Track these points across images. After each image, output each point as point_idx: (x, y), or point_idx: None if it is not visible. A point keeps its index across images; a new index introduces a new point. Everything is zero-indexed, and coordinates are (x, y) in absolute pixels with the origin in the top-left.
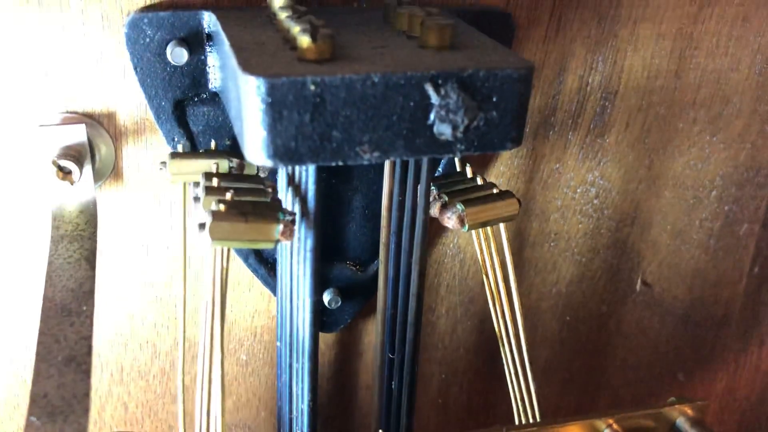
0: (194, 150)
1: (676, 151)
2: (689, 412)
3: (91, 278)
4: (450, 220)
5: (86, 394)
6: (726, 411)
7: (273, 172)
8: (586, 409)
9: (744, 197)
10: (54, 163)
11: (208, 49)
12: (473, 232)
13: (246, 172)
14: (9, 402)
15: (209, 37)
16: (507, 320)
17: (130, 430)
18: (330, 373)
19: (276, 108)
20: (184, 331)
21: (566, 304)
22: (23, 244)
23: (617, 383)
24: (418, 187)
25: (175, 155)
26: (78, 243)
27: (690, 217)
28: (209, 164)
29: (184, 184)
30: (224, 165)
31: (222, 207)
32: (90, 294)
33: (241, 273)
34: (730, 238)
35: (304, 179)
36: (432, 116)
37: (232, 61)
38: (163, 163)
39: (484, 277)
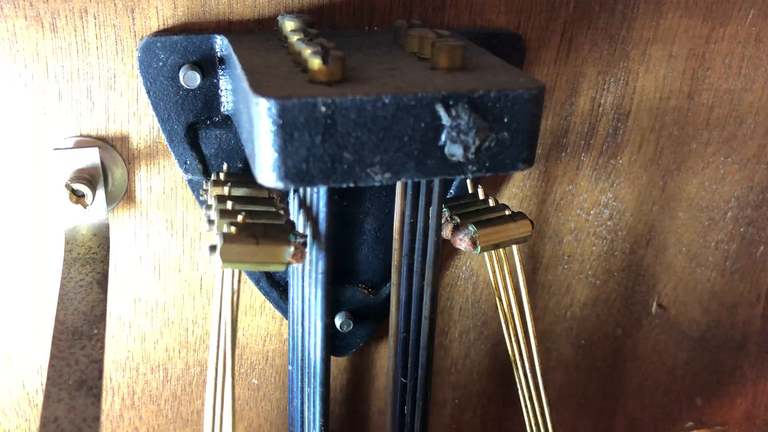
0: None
1: (690, 172)
2: None
3: (103, 301)
4: (462, 242)
5: (96, 418)
6: None
7: (285, 195)
8: None
9: (760, 218)
10: (67, 186)
11: (220, 72)
12: (486, 254)
13: (257, 194)
14: (21, 426)
15: (221, 60)
16: (521, 344)
17: None
18: (342, 398)
19: (287, 130)
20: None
21: (581, 327)
22: (36, 267)
23: (633, 408)
24: (430, 209)
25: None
26: (90, 266)
27: (705, 239)
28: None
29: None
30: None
31: (233, 229)
32: (101, 317)
33: (253, 296)
34: (747, 260)
35: (315, 201)
36: (443, 137)
37: (244, 83)
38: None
39: (498, 300)
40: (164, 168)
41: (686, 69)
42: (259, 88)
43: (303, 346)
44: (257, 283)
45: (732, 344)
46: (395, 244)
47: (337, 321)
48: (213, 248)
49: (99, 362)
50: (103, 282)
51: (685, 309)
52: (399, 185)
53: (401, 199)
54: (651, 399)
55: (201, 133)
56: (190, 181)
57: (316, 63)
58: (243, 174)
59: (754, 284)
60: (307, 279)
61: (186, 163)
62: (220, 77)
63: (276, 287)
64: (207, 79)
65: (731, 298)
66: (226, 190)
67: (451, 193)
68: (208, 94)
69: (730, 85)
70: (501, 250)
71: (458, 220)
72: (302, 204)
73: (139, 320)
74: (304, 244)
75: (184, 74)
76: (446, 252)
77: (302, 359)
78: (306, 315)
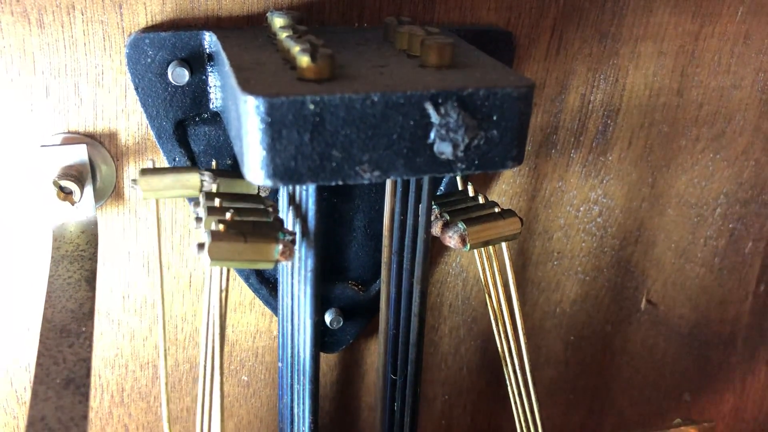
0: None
1: (679, 169)
2: None
3: (91, 299)
4: (452, 239)
5: (84, 417)
6: None
7: (274, 192)
8: (591, 430)
9: (749, 215)
10: (55, 183)
11: (209, 69)
12: (475, 251)
13: (244, 191)
14: (9, 424)
15: (210, 57)
16: (510, 340)
17: None
18: (332, 394)
19: (275, 127)
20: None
21: (570, 323)
22: (23, 264)
23: (623, 403)
24: (420, 206)
25: (145, 171)
26: (78, 263)
27: (694, 235)
28: (180, 179)
29: (157, 202)
30: (195, 180)
31: (221, 227)
32: (90, 315)
33: (243, 293)
34: (735, 256)
35: (304, 199)
36: (432, 135)
37: (232, 80)
38: (134, 180)
39: (487, 296)
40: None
41: (676, 66)
42: (247, 86)
43: (292, 343)
44: (247, 280)
45: (720, 340)
46: (385, 241)
47: (327, 318)
48: (201, 246)
49: (87, 360)
50: (91, 279)
51: (674, 305)
52: (389, 183)
53: (391, 197)
54: (640, 394)
55: (190, 130)
56: None
57: (304, 60)
58: (232, 171)
59: (742, 280)
60: (296, 276)
61: (175, 160)
62: (209, 74)
63: (265, 284)
64: (195, 76)
65: (720, 294)
66: (214, 188)
67: (440, 189)
68: (197, 91)
69: (720, 82)
70: (491, 247)
71: (448, 218)
72: (291, 201)
73: (128, 317)
74: (293, 242)
75: (172, 71)
76: (436, 249)
77: (292, 356)
78: (295, 312)
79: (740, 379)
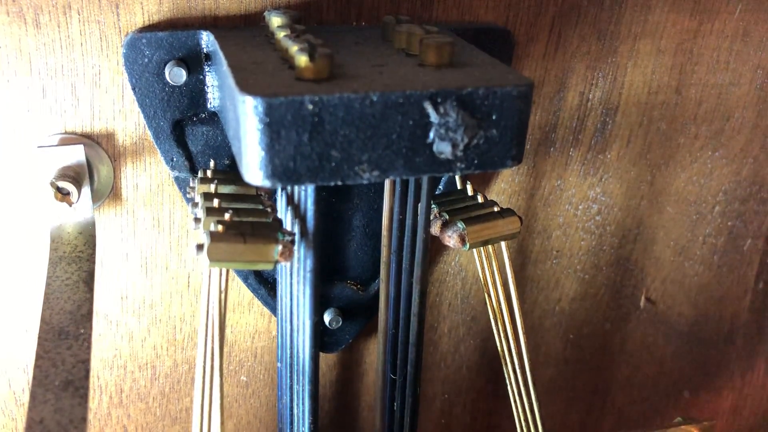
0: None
1: (678, 167)
2: None
3: (89, 300)
4: (451, 239)
5: (83, 419)
6: (733, 429)
7: (273, 192)
8: (590, 429)
9: (747, 212)
10: (52, 184)
11: (206, 68)
12: (474, 250)
13: (244, 192)
14: (7, 426)
15: (208, 56)
16: (510, 339)
17: None
18: (331, 394)
19: (274, 128)
20: None
21: (569, 321)
22: (21, 266)
23: (622, 401)
24: (419, 205)
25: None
26: (76, 264)
27: (693, 233)
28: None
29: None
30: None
31: (220, 228)
32: (88, 317)
33: (241, 293)
34: (734, 254)
35: (303, 199)
36: (431, 135)
37: (230, 80)
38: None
39: (486, 295)
40: (150, 165)
41: (674, 64)
42: (245, 86)
43: (292, 343)
44: (245, 280)
45: (719, 337)
46: (384, 241)
47: (326, 318)
48: (200, 247)
49: (86, 362)
50: (89, 280)
51: (673, 303)
52: (387, 182)
53: (390, 196)
54: (639, 392)
55: (187, 130)
56: (176, 178)
57: (303, 60)
58: (230, 171)
59: (741, 277)
60: (295, 277)
61: (172, 160)
62: (207, 73)
63: (264, 284)
64: (193, 76)
65: (719, 291)
66: (212, 188)
67: (439, 189)
68: (194, 91)
69: (718, 80)
70: (490, 246)
71: (447, 217)
72: (290, 201)
73: (127, 318)
74: (293, 242)
75: (169, 71)
76: (435, 248)
77: (291, 356)
78: (294, 312)
79: (739, 376)
